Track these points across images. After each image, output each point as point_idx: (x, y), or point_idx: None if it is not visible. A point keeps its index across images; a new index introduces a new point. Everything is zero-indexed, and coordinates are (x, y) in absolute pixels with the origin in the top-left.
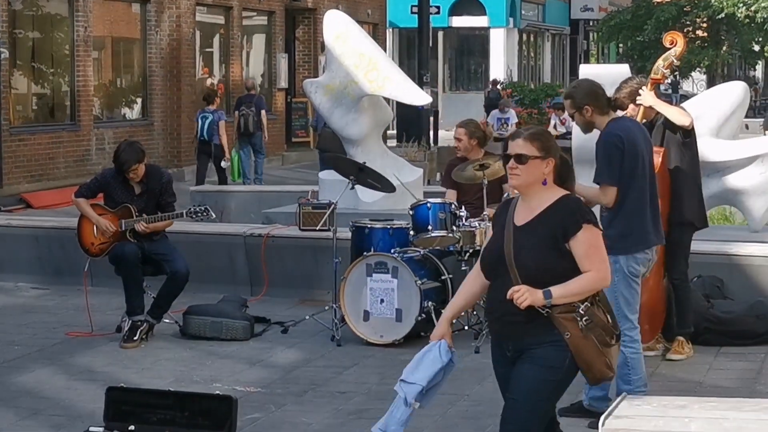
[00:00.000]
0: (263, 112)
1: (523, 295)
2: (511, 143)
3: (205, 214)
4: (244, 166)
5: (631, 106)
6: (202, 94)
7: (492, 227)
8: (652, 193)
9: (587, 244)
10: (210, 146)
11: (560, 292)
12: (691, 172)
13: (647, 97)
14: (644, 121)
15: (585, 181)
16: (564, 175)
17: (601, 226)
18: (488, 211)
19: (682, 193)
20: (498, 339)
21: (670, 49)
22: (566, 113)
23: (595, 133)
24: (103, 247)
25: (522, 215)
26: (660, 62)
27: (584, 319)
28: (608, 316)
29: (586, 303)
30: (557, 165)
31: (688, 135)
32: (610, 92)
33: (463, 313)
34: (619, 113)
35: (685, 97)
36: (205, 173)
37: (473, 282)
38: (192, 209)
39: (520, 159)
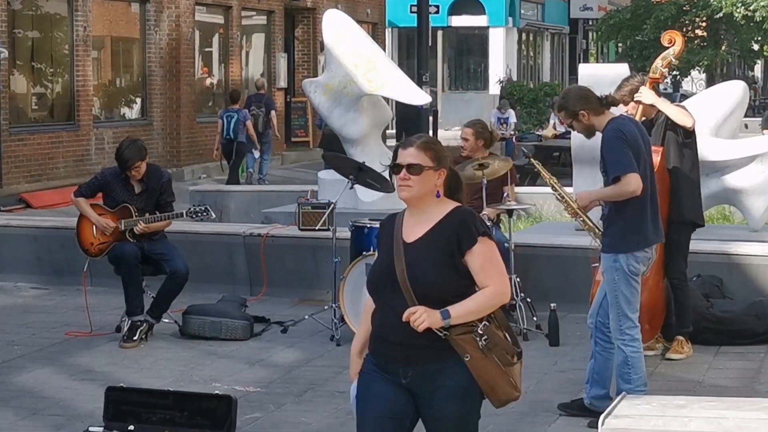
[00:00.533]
0: (273, 111)
1: (421, 316)
2: (403, 152)
3: (205, 213)
4: (248, 164)
5: (631, 104)
6: (228, 93)
7: (378, 246)
8: (652, 192)
9: (484, 258)
10: (234, 145)
11: (458, 311)
12: (690, 171)
13: (647, 94)
14: (643, 119)
15: (584, 179)
16: (454, 187)
17: (495, 238)
18: (488, 211)
19: (681, 192)
20: (388, 364)
21: (668, 48)
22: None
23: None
24: (103, 247)
25: (412, 231)
26: (658, 61)
27: (483, 338)
28: (506, 334)
29: (484, 322)
30: (448, 176)
31: (688, 135)
32: (610, 91)
33: None
34: (617, 111)
35: (685, 96)
36: (237, 170)
37: (371, 309)
38: (192, 209)
39: (414, 169)
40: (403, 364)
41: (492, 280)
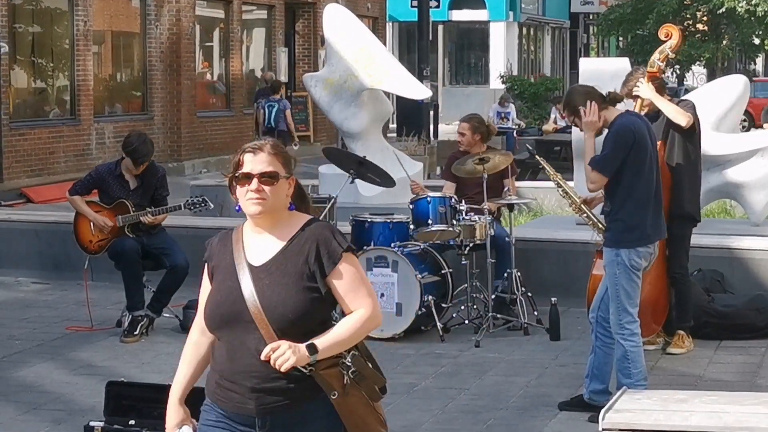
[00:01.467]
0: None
1: (284, 354)
2: (252, 158)
3: (203, 205)
4: None
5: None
6: (269, 83)
7: (210, 273)
8: (657, 188)
9: (350, 278)
10: (275, 133)
11: (327, 343)
12: (693, 165)
13: (645, 90)
14: (645, 111)
15: (584, 174)
16: (301, 197)
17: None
18: (488, 205)
19: (683, 186)
20: (240, 413)
21: (665, 42)
22: None
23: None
24: (102, 243)
25: (260, 251)
26: (656, 55)
27: (351, 371)
28: (371, 363)
29: (352, 352)
30: (296, 184)
31: (691, 130)
32: (611, 85)
33: (462, 307)
34: (621, 107)
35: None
36: None
37: (198, 345)
38: (189, 201)
39: (268, 179)
40: (260, 413)
41: (362, 303)
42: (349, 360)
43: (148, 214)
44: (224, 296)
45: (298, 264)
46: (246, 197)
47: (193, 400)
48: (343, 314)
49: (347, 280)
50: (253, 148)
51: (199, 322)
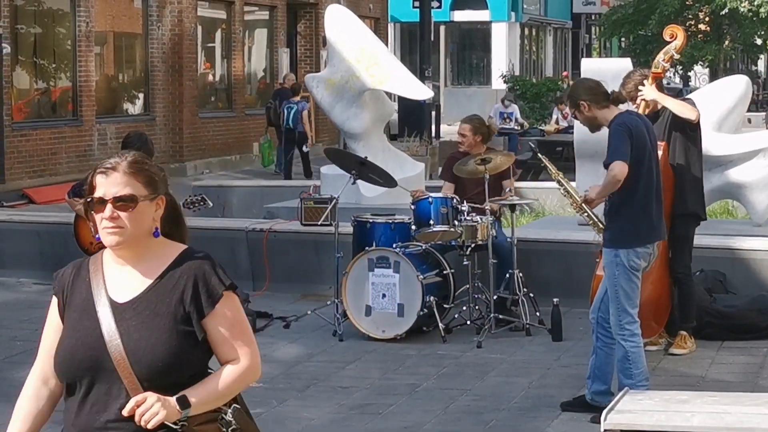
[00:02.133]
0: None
1: (152, 408)
2: (104, 180)
3: (202, 203)
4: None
5: (638, 99)
6: (291, 86)
7: (60, 309)
8: (657, 188)
9: (230, 321)
10: (294, 133)
11: (201, 396)
12: (695, 165)
13: (649, 91)
14: (646, 112)
15: (586, 174)
16: (174, 220)
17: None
18: (490, 206)
19: (685, 185)
20: None
21: (670, 42)
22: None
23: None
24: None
25: (124, 286)
26: (660, 56)
27: (232, 429)
28: (251, 419)
29: (233, 405)
30: (167, 206)
31: (694, 128)
32: (612, 85)
33: (464, 308)
34: (622, 106)
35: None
36: (292, 159)
37: (37, 398)
38: (188, 199)
39: (125, 203)
40: None
41: (242, 351)
42: (230, 415)
43: None
44: (80, 339)
45: (171, 303)
46: (101, 226)
47: None
48: None
49: (227, 324)
50: (106, 168)
51: (40, 370)
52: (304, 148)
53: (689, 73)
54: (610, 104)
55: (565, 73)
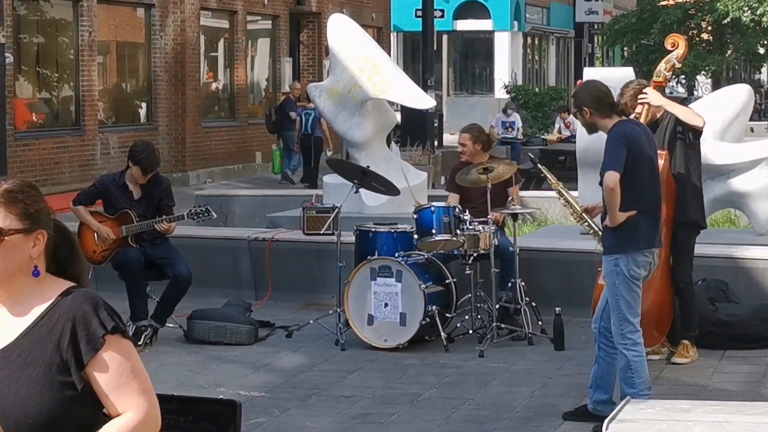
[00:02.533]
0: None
1: None
2: None
3: (206, 214)
4: (290, 163)
5: (637, 108)
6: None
7: None
8: (655, 196)
9: (116, 369)
10: (311, 140)
11: None
12: (695, 173)
13: (655, 96)
14: (646, 120)
15: (588, 183)
16: (66, 254)
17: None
18: (493, 215)
19: (686, 194)
20: None
21: (672, 51)
22: (570, 116)
23: (599, 136)
24: (106, 254)
25: None
26: (662, 65)
27: None
28: None
29: None
30: (50, 240)
31: (696, 136)
32: (614, 94)
33: (466, 317)
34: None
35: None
36: (312, 165)
37: None
38: (192, 210)
39: None
40: None
41: (132, 403)
42: None
43: (164, 220)
44: None
45: (47, 351)
46: None
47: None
48: None
49: (112, 372)
50: None
51: None
52: (328, 152)
53: (691, 83)
54: (613, 114)
55: (579, 83)
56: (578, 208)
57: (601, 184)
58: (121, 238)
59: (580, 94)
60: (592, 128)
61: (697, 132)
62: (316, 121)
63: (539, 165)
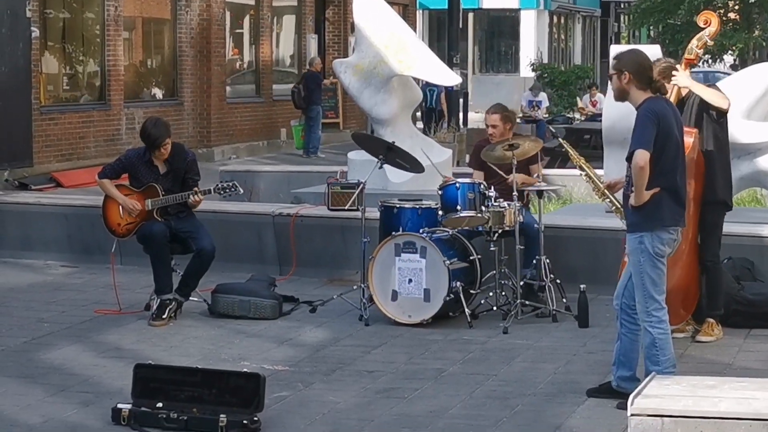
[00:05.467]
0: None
1: None
2: None
3: (233, 189)
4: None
5: (667, 85)
6: None
7: None
8: (681, 173)
9: None
10: (434, 112)
11: None
12: (723, 151)
13: (682, 78)
14: (676, 98)
15: (615, 162)
16: None
17: None
18: (518, 177)
19: (715, 173)
20: None
21: (704, 29)
22: (599, 94)
23: (624, 115)
24: (130, 227)
25: None
26: (694, 42)
27: None
28: None
29: None
30: None
31: (721, 115)
32: None
33: (491, 293)
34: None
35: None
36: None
37: None
38: (219, 185)
39: None
40: None
41: None
42: None
43: (195, 193)
44: None
45: None
46: None
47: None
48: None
49: None
50: None
51: None
52: (443, 125)
53: (719, 61)
54: (648, 89)
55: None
56: (600, 184)
57: (628, 159)
58: (146, 212)
59: (624, 57)
60: (622, 95)
61: (721, 112)
62: (439, 97)
63: (562, 140)
